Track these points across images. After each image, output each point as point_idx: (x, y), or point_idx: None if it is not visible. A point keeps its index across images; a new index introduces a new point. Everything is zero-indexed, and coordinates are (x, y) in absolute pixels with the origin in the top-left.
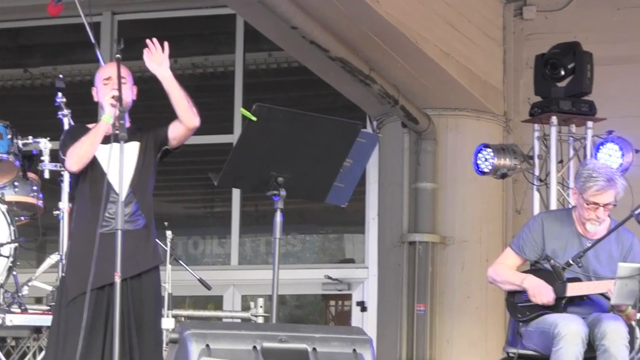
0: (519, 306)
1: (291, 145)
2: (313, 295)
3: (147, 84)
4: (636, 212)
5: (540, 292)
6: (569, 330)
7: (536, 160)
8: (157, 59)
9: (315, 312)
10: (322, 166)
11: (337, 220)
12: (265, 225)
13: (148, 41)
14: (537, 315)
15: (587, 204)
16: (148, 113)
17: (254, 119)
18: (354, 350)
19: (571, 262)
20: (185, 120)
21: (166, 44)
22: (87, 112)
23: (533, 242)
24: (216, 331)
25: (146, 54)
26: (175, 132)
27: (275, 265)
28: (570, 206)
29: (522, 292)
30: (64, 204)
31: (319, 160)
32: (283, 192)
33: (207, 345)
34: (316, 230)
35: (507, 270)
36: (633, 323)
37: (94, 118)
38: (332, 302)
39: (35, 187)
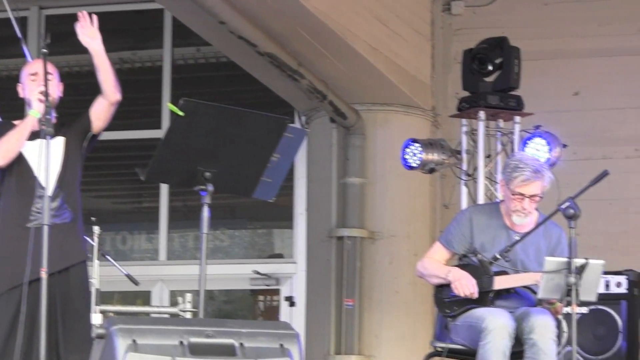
0: (446, 301)
1: (218, 140)
2: (242, 291)
3: (75, 79)
4: (563, 207)
5: (462, 284)
6: (496, 324)
7: (464, 155)
8: (89, 32)
9: (244, 308)
10: (249, 161)
11: (266, 216)
12: (194, 221)
13: (79, 14)
14: (465, 310)
15: (513, 195)
16: (75, 109)
17: (181, 114)
18: (281, 345)
19: (498, 256)
20: (109, 94)
21: (95, 17)
22: (13, 107)
23: (461, 236)
24: (143, 326)
25: (78, 28)
26: (98, 110)
27: (203, 260)
28: (498, 200)
29: (450, 288)
30: None
31: (246, 155)
32: (210, 187)
33: (134, 341)
34: (245, 225)
35: (435, 263)
36: (560, 317)
37: (21, 114)
38: (261, 297)
39: None
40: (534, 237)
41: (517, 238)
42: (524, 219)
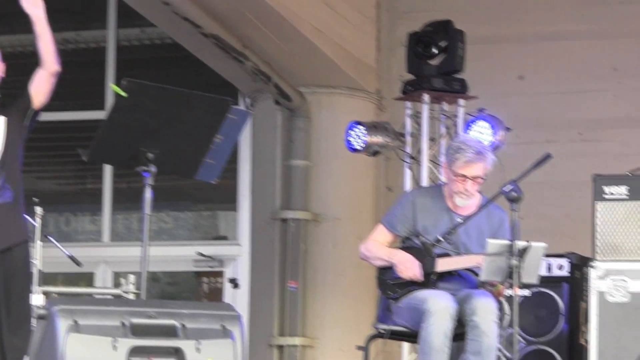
0: (389, 283)
1: (161, 121)
2: (185, 273)
3: (18, 59)
4: (506, 190)
5: (406, 267)
6: (438, 306)
7: (408, 138)
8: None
9: (188, 289)
10: (192, 142)
11: (210, 198)
12: (138, 202)
13: None
14: (408, 292)
15: (456, 176)
16: (17, 89)
17: (124, 94)
18: (223, 326)
19: (440, 238)
20: (49, 64)
21: None
22: None
23: (404, 218)
24: (84, 307)
25: None
26: (38, 84)
27: (145, 242)
28: (441, 183)
29: (393, 270)
30: None
31: (189, 136)
32: (153, 168)
33: (75, 322)
34: (189, 207)
35: (378, 246)
36: (502, 299)
37: None
38: (205, 279)
39: None
40: (477, 219)
41: (460, 221)
42: (467, 201)
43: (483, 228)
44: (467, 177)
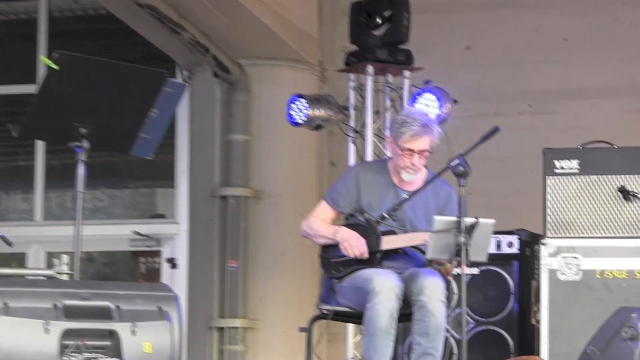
0: (333, 262)
1: (94, 95)
2: (122, 252)
3: None
4: (452, 164)
5: (351, 244)
6: (384, 285)
7: (352, 111)
8: None
9: (125, 270)
10: (126, 117)
11: (147, 174)
12: (72, 180)
13: None
14: (352, 271)
15: (402, 151)
16: None
17: (56, 67)
18: (160, 307)
19: (385, 215)
20: None
21: None
22: None
23: (347, 194)
24: (15, 289)
25: None
26: None
27: (78, 220)
28: (386, 157)
29: (336, 248)
30: None
31: (123, 110)
32: (86, 144)
33: (5, 304)
34: (125, 184)
35: (321, 223)
36: (450, 278)
37: None
38: (142, 259)
39: None
40: (423, 195)
41: (406, 196)
42: (413, 176)
43: (430, 204)
44: (414, 151)
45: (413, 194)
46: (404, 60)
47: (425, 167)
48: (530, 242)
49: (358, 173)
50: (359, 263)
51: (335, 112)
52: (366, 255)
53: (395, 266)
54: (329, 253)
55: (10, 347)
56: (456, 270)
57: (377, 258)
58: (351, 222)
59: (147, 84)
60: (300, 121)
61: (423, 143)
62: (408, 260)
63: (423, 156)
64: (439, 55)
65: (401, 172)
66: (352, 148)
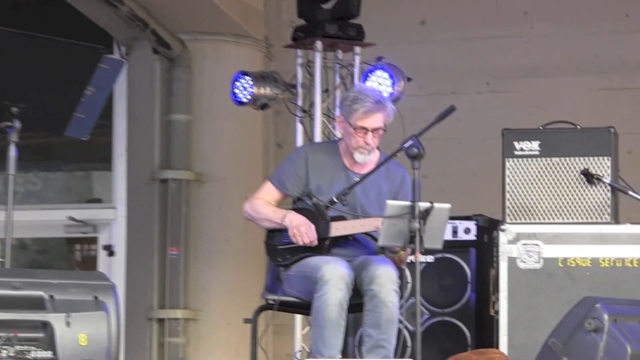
0: (279, 249)
1: (25, 72)
2: (56, 239)
3: None
4: (406, 145)
5: (301, 231)
6: (333, 274)
7: (299, 89)
8: None
9: (59, 258)
10: (60, 95)
11: (83, 157)
12: (3, 163)
13: None
14: (299, 259)
15: (355, 130)
16: None
17: None
18: (96, 297)
19: (335, 199)
20: None
21: None
22: None
23: (295, 176)
24: None
25: None
26: None
27: (9, 205)
28: (336, 138)
29: (283, 234)
30: None
31: (57, 88)
32: (17, 124)
33: None
34: (60, 167)
35: (266, 205)
36: (404, 267)
37: None
38: (78, 247)
39: None
40: (376, 179)
41: (357, 180)
42: (367, 157)
43: (382, 188)
44: (368, 130)
45: (364, 176)
46: (355, 36)
47: (378, 149)
48: (489, 228)
49: (307, 154)
50: (306, 250)
51: (282, 91)
52: (316, 242)
53: (345, 254)
54: (275, 239)
55: None
56: (410, 258)
57: (325, 245)
58: (299, 206)
59: (82, 61)
60: (244, 100)
61: (376, 120)
62: (359, 247)
63: (377, 135)
64: (391, 31)
65: (354, 153)
66: (299, 128)
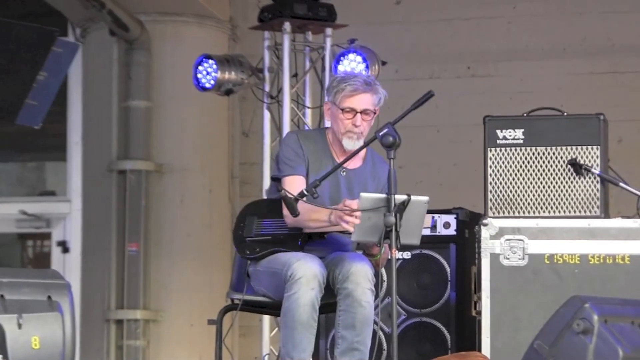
0: (247, 241)
1: None
2: (7, 235)
3: None
4: (380, 133)
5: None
6: (304, 272)
7: (266, 74)
8: None
9: (10, 254)
10: (10, 80)
11: (36, 146)
12: None
13: None
14: (269, 253)
15: (342, 111)
16: None
17: None
18: (49, 297)
19: (305, 191)
20: None
21: None
22: None
23: (299, 159)
24: None
25: None
26: None
27: None
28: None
29: (254, 224)
30: None
31: (7, 73)
32: None
33: None
34: (11, 157)
35: (306, 204)
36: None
37: None
38: (30, 242)
39: None
40: (361, 175)
41: (343, 174)
42: (357, 142)
43: (368, 186)
44: (356, 111)
45: (338, 164)
46: (326, 17)
47: (367, 144)
48: (470, 222)
49: (299, 139)
50: (277, 244)
51: (248, 75)
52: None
53: (317, 250)
54: (245, 230)
55: None
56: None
57: (298, 241)
58: (266, 198)
59: (34, 44)
60: (208, 85)
61: (365, 100)
62: (332, 243)
63: (366, 118)
64: (365, 11)
65: (342, 139)
66: (267, 116)
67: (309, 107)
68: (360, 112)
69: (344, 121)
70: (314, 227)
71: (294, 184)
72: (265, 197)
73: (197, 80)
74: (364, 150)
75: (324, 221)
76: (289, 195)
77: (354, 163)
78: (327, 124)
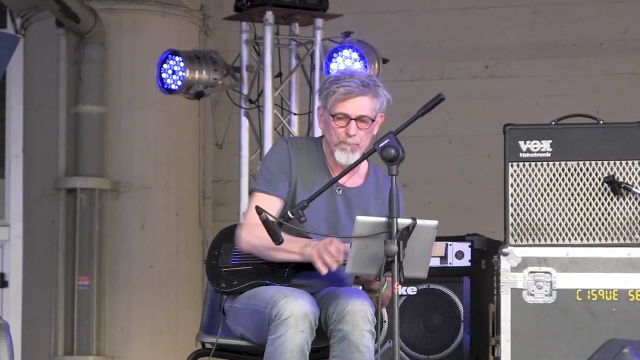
0: (223, 272)
1: None
2: None
3: None
4: (380, 145)
5: (331, 252)
6: (293, 310)
7: (244, 74)
8: None
9: None
10: None
11: None
12: None
13: None
14: (250, 287)
15: (333, 118)
16: None
17: None
18: None
19: (290, 215)
20: None
21: None
22: None
23: (283, 175)
24: None
25: None
26: None
27: None
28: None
29: (232, 252)
30: None
31: None
32: None
33: None
34: None
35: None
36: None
37: None
38: None
39: None
40: (363, 196)
41: (339, 192)
42: (351, 156)
43: (370, 207)
44: (350, 117)
45: (329, 183)
46: (316, 5)
47: (364, 158)
48: (487, 251)
49: (289, 148)
50: (260, 276)
51: (222, 75)
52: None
53: (307, 284)
54: (220, 259)
55: None
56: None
57: (284, 274)
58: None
59: None
60: (174, 87)
61: (360, 105)
62: (324, 276)
63: (363, 126)
64: None
65: (335, 151)
66: (245, 123)
67: (295, 114)
68: (355, 119)
69: (336, 130)
70: (280, 258)
71: (265, 205)
72: (242, 220)
73: (162, 80)
74: (367, 166)
75: (295, 253)
76: (271, 219)
77: (354, 181)
78: (318, 132)
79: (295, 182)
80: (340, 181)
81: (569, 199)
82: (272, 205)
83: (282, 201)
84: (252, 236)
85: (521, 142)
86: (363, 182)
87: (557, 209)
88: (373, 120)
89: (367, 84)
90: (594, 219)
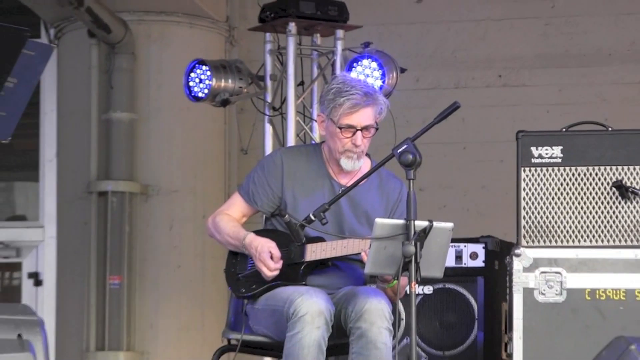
0: (241, 277)
1: None
2: None
3: None
4: (398, 151)
5: (262, 257)
6: (309, 308)
7: (268, 82)
8: None
9: None
10: None
11: (4, 164)
12: None
13: None
14: (267, 289)
15: (340, 129)
16: None
17: None
18: (19, 335)
19: (312, 217)
20: None
21: None
22: None
23: (267, 188)
24: None
25: None
26: None
27: None
28: (313, 142)
29: (248, 259)
30: None
31: None
32: None
33: None
34: None
35: (230, 222)
36: (398, 300)
37: None
38: None
39: None
40: (367, 193)
41: (342, 193)
42: (357, 163)
43: (375, 205)
44: (356, 128)
45: (349, 188)
46: (336, 16)
47: (369, 156)
48: (500, 252)
49: (282, 159)
50: (277, 278)
51: (247, 84)
52: (275, 273)
53: (325, 284)
54: (237, 266)
55: None
56: (405, 289)
57: (300, 273)
58: (268, 227)
59: (1, 45)
60: (201, 95)
61: (366, 116)
62: (341, 275)
63: (367, 135)
64: (381, 10)
65: (340, 159)
66: (268, 130)
67: (316, 121)
68: (361, 129)
69: (343, 140)
70: (231, 248)
71: (235, 206)
72: (264, 225)
73: (189, 88)
74: (366, 163)
75: (238, 240)
76: (294, 221)
77: (357, 178)
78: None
79: (292, 190)
80: (342, 182)
81: (579, 203)
82: (242, 209)
83: (253, 210)
84: (214, 225)
85: (533, 148)
86: (361, 177)
87: (567, 212)
88: (375, 128)
89: (370, 93)
90: (602, 222)
